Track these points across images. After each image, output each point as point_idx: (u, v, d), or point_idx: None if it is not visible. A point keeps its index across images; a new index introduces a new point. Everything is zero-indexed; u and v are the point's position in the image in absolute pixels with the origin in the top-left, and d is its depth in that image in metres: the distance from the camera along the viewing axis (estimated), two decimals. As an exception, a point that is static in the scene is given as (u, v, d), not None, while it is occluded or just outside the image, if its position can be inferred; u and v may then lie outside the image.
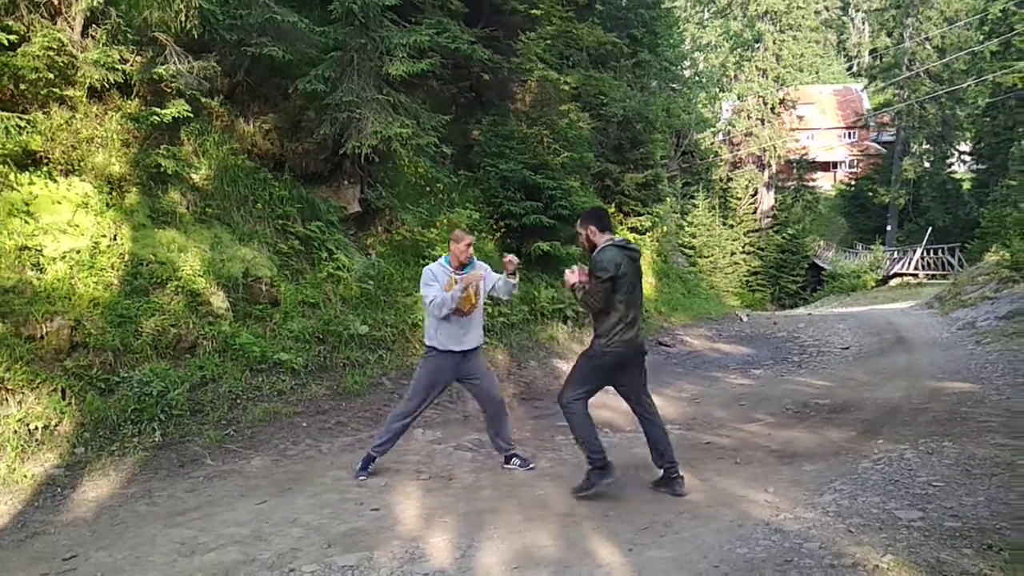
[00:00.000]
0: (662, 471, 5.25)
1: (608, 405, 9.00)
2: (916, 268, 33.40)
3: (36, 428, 5.59)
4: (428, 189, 11.57)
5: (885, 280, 33.89)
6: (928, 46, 42.29)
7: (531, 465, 6.06)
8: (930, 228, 36.49)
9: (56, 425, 5.72)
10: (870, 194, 45.93)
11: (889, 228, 44.06)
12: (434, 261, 6.01)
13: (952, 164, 45.13)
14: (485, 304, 10.23)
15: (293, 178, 9.30)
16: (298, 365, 7.57)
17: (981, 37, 38.03)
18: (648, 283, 18.39)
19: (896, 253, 36.37)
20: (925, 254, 33.40)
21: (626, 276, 4.98)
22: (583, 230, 5.20)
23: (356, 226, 10.13)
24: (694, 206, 37.30)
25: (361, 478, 5.76)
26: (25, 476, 5.32)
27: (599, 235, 5.11)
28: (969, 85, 38.12)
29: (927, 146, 43.77)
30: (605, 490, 5.15)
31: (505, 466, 6.04)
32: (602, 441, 5.24)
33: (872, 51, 54.58)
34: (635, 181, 17.53)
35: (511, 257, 5.79)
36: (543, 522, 4.74)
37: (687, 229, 36.19)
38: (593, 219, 5.19)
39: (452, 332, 5.74)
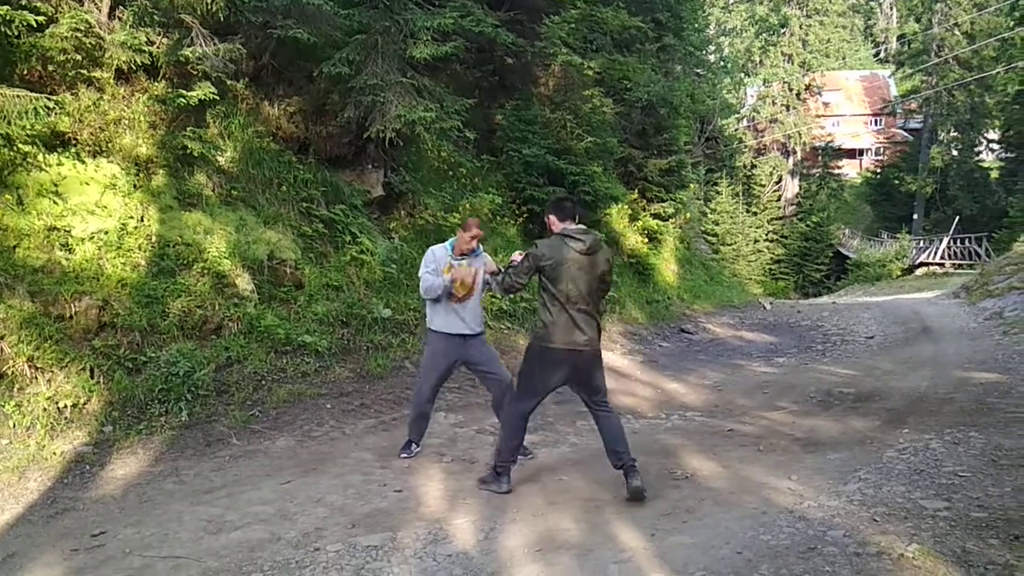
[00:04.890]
0: (621, 471, 4.87)
1: (630, 392, 9.02)
2: (942, 257, 33.00)
3: (65, 406, 5.67)
4: (451, 173, 11.57)
5: (911, 269, 33.54)
6: (957, 32, 41.49)
7: (530, 455, 5.94)
8: (957, 217, 35.92)
9: (85, 404, 5.80)
10: (896, 182, 45.34)
11: (915, 217, 43.51)
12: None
13: (980, 152, 44.35)
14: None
15: (317, 161, 9.33)
16: (322, 347, 7.62)
17: (1012, 23, 37.15)
18: (670, 270, 18.32)
19: (922, 242, 35.96)
20: (952, 243, 32.97)
21: (561, 267, 4.77)
22: (546, 219, 5.16)
23: (379, 210, 10.16)
24: (717, 193, 37.08)
25: (403, 456, 5.88)
26: (54, 454, 5.40)
27: (557, 224, 5.00)
28: (998, 72, 37.38)
29: (955, 134, 43.12)
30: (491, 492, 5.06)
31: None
32: (517, 456, 5.19)
33: (900, 37, 53.75)
34: (658, 167, 17.40)
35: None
36: (565, 506, 4.75)
37: (710, 216, 36.01)
38: (553, 208, 5.12)
39: (448, 316, 5.73)
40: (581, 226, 5.00)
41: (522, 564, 3.89)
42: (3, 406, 5.41)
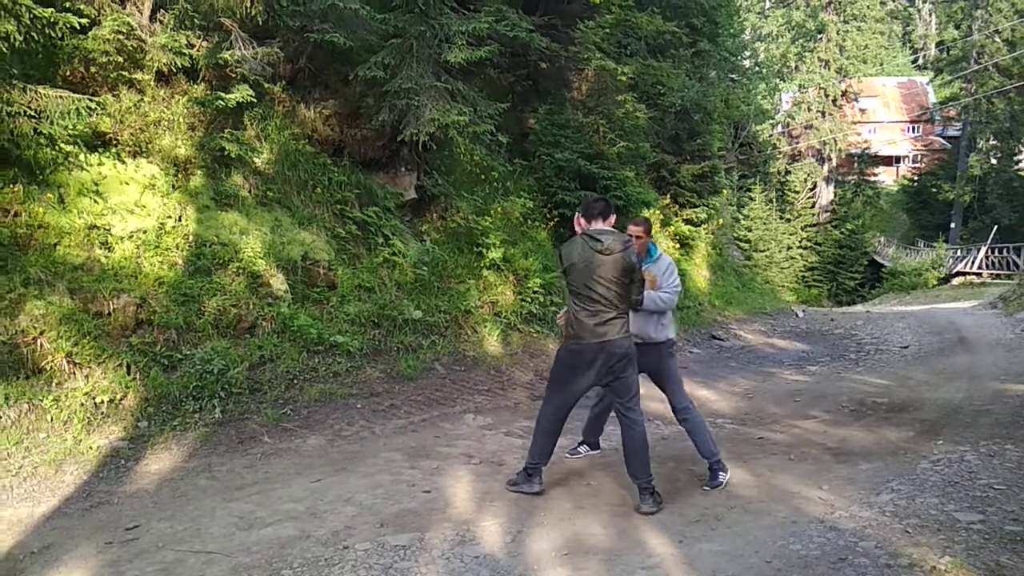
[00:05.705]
0: (636, 487, 4.83)
1: (660, 397, 8.96)
2: (980, 267, 32.39)
3: (102, 402, 5.77)
4: (483, 177, 11.61)
5: (947, 279, 32.95)
6: (998, 39, 40.63)
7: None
8: (995, 226, 35.26)
9: (121, 399, 5.90)
10: (934, 190, 44.59)
11: (953, 226, 42.75)
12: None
13: (1020, 161, 43.51)
14: (537, 294, 10.28)
15: (352, 164, 9.42)
16: (353, 348, 7.68)
17: (1055, 30, 36.59)
18: (702, 276, 18.22)
19: (959, 251, 35.32)
20: (989, 253, 32.36)
21: (576, 267, 4.75)
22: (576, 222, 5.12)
23: (412, 212, 10.22)
24: (751, 199, 36.69)
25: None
26: (91, 448, 5.50)
27: (585, 225, 4.95)
28: (1040, 80, 36.74)
29: (994, 142, 42.22)
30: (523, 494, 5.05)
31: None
32: (551, 456, 5.11)
33: (939, 43, 52.92)
34: (691, 172, 17.34)
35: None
36: (593, 511, 4.75)
37: (743, 222, 35.65)
38: (581, 209, 5.08)
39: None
40: (604, 227, 4.88)
41: (549, 568, 3.90)
42: (41, 400, 5.52)
